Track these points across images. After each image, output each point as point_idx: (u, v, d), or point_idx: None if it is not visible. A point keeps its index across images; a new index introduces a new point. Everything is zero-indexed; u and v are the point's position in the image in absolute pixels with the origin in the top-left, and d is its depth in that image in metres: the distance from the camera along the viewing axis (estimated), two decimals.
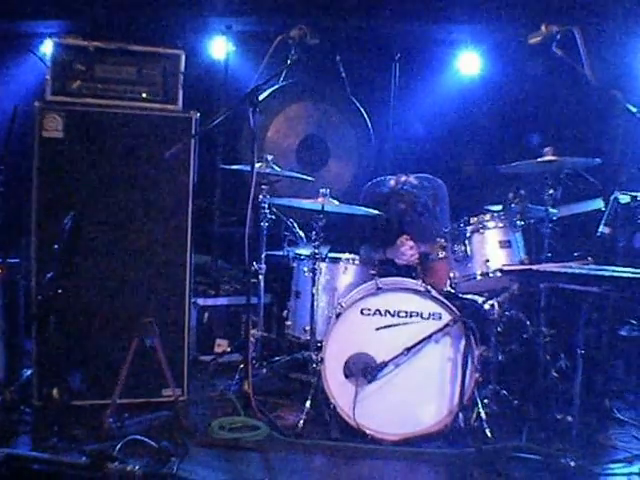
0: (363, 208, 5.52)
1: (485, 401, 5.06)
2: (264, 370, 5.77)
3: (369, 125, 7.48)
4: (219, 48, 7.56)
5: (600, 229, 4.41)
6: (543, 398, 5.17)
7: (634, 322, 6.05)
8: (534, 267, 4.61)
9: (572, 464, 4.40)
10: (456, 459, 4.62)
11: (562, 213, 5.75)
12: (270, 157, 5.82)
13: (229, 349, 6.41)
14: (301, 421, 4.88)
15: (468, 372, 4.78)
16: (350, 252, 5.78)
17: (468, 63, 7.85)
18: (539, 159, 5.16)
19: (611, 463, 4.65)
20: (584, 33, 4.52)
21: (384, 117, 7.45)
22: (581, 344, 4.51)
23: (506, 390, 5.28)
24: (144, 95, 5.06)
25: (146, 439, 4.32)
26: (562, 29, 4.65)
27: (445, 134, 7.68)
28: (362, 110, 7.47)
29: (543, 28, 4.70)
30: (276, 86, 7.11)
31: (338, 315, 4.91)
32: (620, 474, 4.52)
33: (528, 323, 5.47)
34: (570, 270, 4.29)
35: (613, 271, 4.24)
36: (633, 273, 4.15)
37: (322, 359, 4.87)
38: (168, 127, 5.04)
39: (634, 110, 4.46)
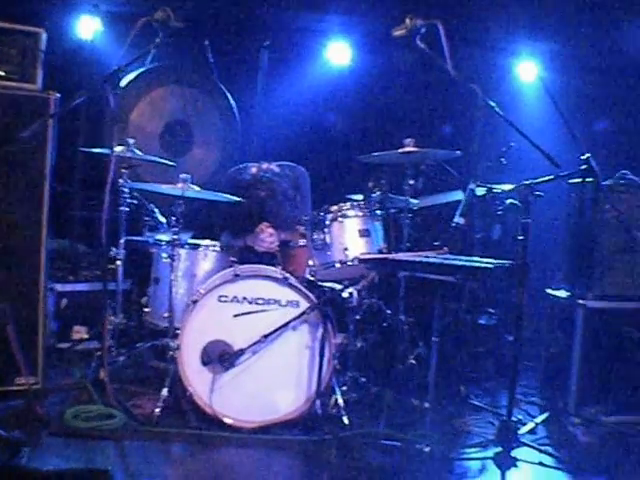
0: (224, 195, 5.47)
1: (343, 388, 5.12)
2: (122, 357, 5.65)
3: (235, 112, 7.43)
4: (86, 28, 7.35)
5: (455, 219, 4.49)
6: (401, 385, 5.24)
7: (492, 311, 6.22)
8: (390, 256, 4.67)
9: (427, 449, 4.49)
10: (313, 446, 4.64)
11: (423, 204, 5.85)
12: (132, 141, 5.69)
13: (87, 336, 6.28)
14: (158, 409, 4.80)
15: (325, 359, 4.81)
16: (212, 239, 5.71)
17: (338, 53, 7.88)
18: (400, 150, 5.23)
19: (466, 448, 4.78)
20: (448, 28, 4.57)
21: (251, 104, 7.39)
22: (436, 332, 4.60)
23: (365, 377, 5.35)
24: (0, 73, 4.87)
25: None
26: (426, 23, 4.69)
27: (312, 123, 7.70)
28: (229, 96, 7.41)
29: (408, 21, 4.72)
30: (142, 69, 6.98)
31: (195, 302, 4.87)
32: (475, 459, 4.63)
33: (388, 311, 5.54)
34: (424, 259, 4.36)
35: (466, 261, 4.34)
36: (486, 263, 4.25)
37: (178, 346, 4.82)
38: (25, 107, 4.86)
39: (493, 105, 4.55)
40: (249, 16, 7.51)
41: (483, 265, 4.17)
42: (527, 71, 8.11)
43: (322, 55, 7.93)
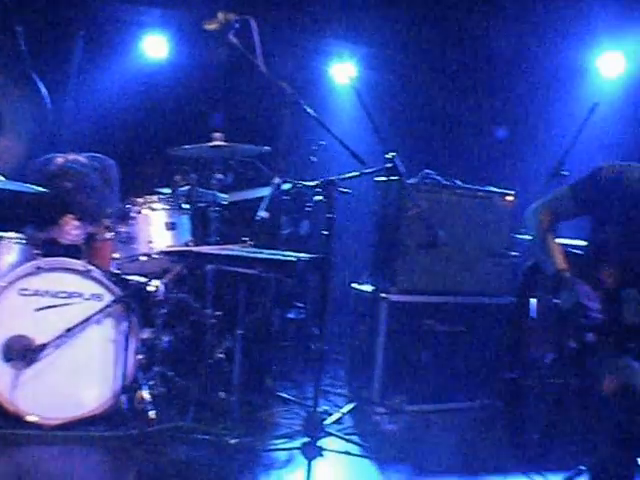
0: (28, 185, 5.31)
1: (150, 383, 5.07)
2: None
3: (47, 101, 7.23)
4: None
5: (259, 213, 4.54)
6: (209, 379, 5.26)
7: (301, 305, 6.33)
8: (193, 248, 4.68)
9: (233, 441, 4.53)
10: (119, 442, 4.59)
11: (232, 198, 5.87)
12: None
13: None
14: None
15: (130, 354, 4.77)
16: (16, 231, 5.53)
17: (154, 46, 7.79)
18: (209, 144, 5.24)
19: (273, 439, 4.85)
20: (263, 27, 4.60)
21: (64, 94, 7.22)
22: (241, 325, 4.65)
23: (173, 371, 5.32)
24: None
25: None
26: (239, 18, 4.71)
27: (125, 115, 7.58)
28: (41, 85, 7.21)
29: (220, 15, 4.73)
30: None
31: None
32: (282, 449, 4.71)
33: (196, 305, 5.54)
34: (227, 252, 4.39)
35: (269, 254, 4.40)
36: (288, 256, 4.32)
37: None
38: None
39: (301, 102, 4.63)
40: (64, 4, 7.34)
41: (285, 258, 4.24)
42: (341, 72, 8.31)
43: (138, 47, 7.83)
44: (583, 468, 4.02)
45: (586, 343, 3.70)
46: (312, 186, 5.22)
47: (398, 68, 8.32)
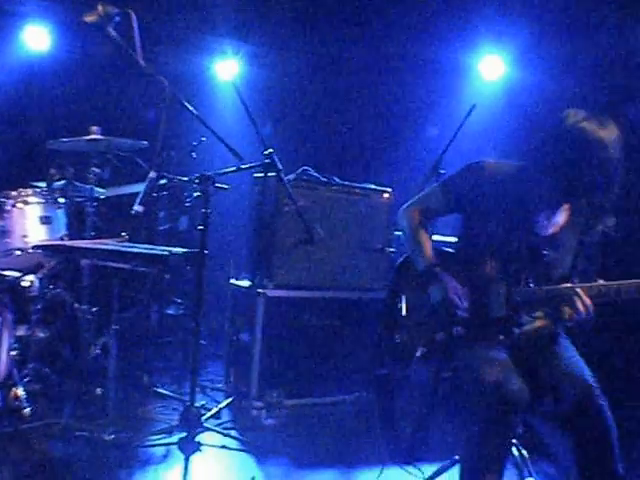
0: None
1: (25, 380, 5.00)
2: None
3: None
4: None
5: (134, 207, 4.50)
6: (86, 375, 5.22)
7: (179, 301, 6.33)
8: (66, 243, 4.63)
9: (109, 438, 4.52)
10: None
11: (110, 193, 5.83)
12: None
13: None
14: None
15: (4, 350, 4.69)
16: None
17: (35, 37, 7.62)
18: (86, 137, 5.20)
19: (151, 435, 4.83)
20: (145, 22, 4.58)
21: None
22: (116, 321, 4.63)
23: (49, 368, 5.24)
24: None
25: None
26: (119, 11, 4.66)
27: (2, 107, 7.43)
28: None
29: (100, 7, 4.68)
30: None
31: None
32: (159, 445, 4.70)
33: (71, 300, 5.48)
34: (100, 246, 4.37)
35: (144, 248, 4.40)
36: (162, 250, 4.34)
37: None
38: None
39: (180, 98, 4.63)
40: None
41: (157, 252, 4.25)
42: (225, 70, 8.33)
43: (19, 38, 7.63)
44: (457, 458, 4.11)
45: (455, 336, 3.76)
46: (188, 181, 5.25)
47: (281, 66, 8.38)
